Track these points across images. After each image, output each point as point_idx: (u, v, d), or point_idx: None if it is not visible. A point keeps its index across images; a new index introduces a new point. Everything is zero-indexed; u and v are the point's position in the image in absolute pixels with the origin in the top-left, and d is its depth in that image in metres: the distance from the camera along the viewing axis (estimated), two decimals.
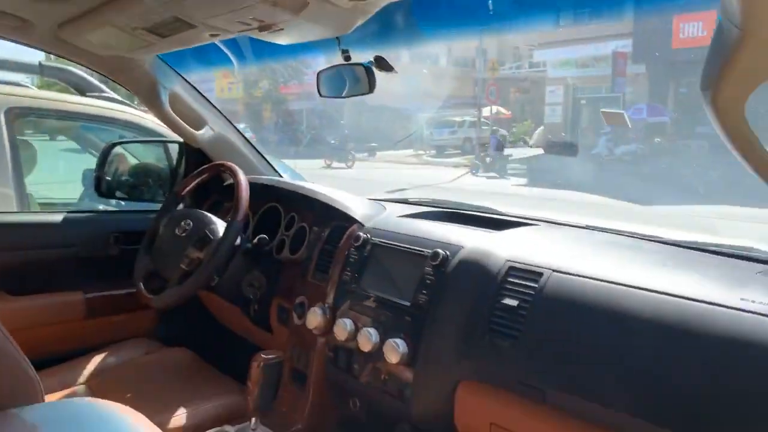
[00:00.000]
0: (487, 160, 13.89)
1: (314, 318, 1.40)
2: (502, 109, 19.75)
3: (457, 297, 1.20)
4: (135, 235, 1.95)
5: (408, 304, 1.25)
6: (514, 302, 1.12)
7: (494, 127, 16.40)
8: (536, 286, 1.11)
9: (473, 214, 1.64)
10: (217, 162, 1.70)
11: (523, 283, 1.13)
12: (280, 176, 2.12)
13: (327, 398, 1.43)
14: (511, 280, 1.15)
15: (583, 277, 1.08)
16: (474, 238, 1.28)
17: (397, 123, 20.00)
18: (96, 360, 1.75)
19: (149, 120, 2.35)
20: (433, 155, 18.40)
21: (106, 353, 1.78)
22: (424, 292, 1.23)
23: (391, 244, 1.37)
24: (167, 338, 1.94)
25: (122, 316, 1.93)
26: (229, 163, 1.66)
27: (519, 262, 1.17)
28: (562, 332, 1.04)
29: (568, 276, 1.10)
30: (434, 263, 1.24)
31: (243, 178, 1.59)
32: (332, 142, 16.81)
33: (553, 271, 1.12)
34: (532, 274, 1.13)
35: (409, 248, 1.32)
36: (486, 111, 18.64)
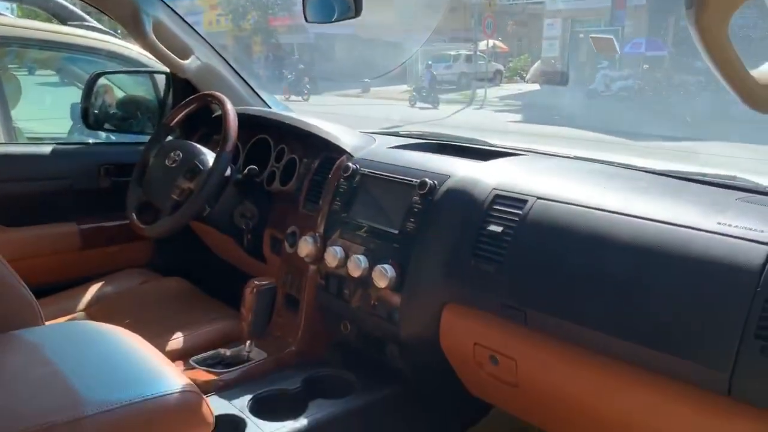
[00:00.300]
0: (423, 93, 15.06)
1: (305, 246, 1.43)
2: (499, 43, 19.30)
3: (443, 224, 1.22)
4: (125, 168, 1.95)
5: (396, 231, 1.28)
6: (498, 228, 1.14)
7: (429, 62, 16.66)
8: (521, 213, 1.13)
9: (462, 146, 1.64)
10: (205, 92, 1.68)
11: (508, 210, 1.15)
12: (269, 108, 2.11)
13: (319, 322, 1.48)
14: (497, 207, 1.17)
15: (566, 203, 1.10)
16: (461, 167, 1.30)
17: (390, 57, 19.56)
18: (93, 289, 1.79)
19: (135, 51, 2.30)
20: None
21: (103, 282, 1.82)
22: (412, 220, 1.25)
23: (380, 174, 1.38)
24: (163, 269, 1.98)
25: (117, 247, 1.96)
26: (217, 93, 1.65)
27: (504, 191, 1.19)
28: (544, 257, 1.08)
29: (551, 203, 1.12)
30: (422, 192, 1.26)
31: (231, 108, 1.58)
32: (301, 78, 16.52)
33: (538, 198, 1.14)
34: (517, 201, 1.15)
35: (398, 178, 1.34)
36: (483, 45, 18.22)
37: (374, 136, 1.72)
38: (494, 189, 1.20)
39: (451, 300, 1.21)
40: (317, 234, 1.45)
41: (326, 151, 1.57)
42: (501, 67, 18.46)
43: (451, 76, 18.47)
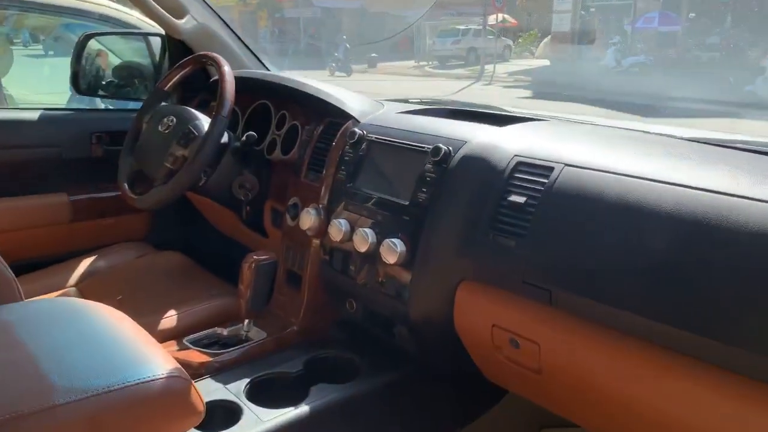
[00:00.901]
0: (339, 63, 15.44)
1: (308, 219, 1.32)
2: (509, 17, 18.92)
3: (459, 194, 1.11)
4: (118, 135, 1.84)
5: (406, 203, 1.17)
6: (521, 199, 1.03)
7: (343, 36, 16.61)
8: (546, 181, 1.02)
9: (477, 111, 1.52)
10: (201, 53, 1.56)
11: (532, 178, 1.04)
12: (269, 71, 1.99)
13: (323, 299, 1.38)
14: (519, 175, 1.06)
15: (598, 170, 0.99)
16: (478, 132, 1.18)
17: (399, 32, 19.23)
18: (85, 263, 1.70)
19: (127, 13, 2.17)
20: (435, 66, 17.83)
21: (96, 256, 1.73)
22: (424, 190, 1.14)
23: (388, 140, 1.27)
24: (159, 242, 1.88)
25: (111, 219, 1.86)
26: (213, 54, 1.52)
27: (527, 157, 1.07)
28: (572, 230, 0.96)
29: (580, 170, 1.00)
30: (435, 159, 1.14)
31: (227, 70, 1.46)
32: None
33: (565, 165, 1.02)
34: (542, 168, 1.04)
35: (409, 144, 1.22)
36: (491, 19, 17.85)
37: (382, 102, 1.60)
38: (516, 156, 1.09)
39: (466, 277, 1.10)
40: (320, 206, 1.34)
41: (330, 116, 1.46)
42: (510, 42, 18.11)
43: (459, 51, 18.14)
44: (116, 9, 2.32)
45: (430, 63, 18.42)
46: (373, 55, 17.97)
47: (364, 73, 16.51)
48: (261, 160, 1.62)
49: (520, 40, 18.54)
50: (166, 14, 1.68)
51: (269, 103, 1.67)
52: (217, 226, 1.94)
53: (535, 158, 1.07)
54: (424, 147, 1.19)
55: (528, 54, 17.45)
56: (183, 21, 1.74)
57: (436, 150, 1.14)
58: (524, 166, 1.07)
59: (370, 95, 1.61)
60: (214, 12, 1.86)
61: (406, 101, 1.79)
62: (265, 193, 1.62)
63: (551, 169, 1.03)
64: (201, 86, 1.92)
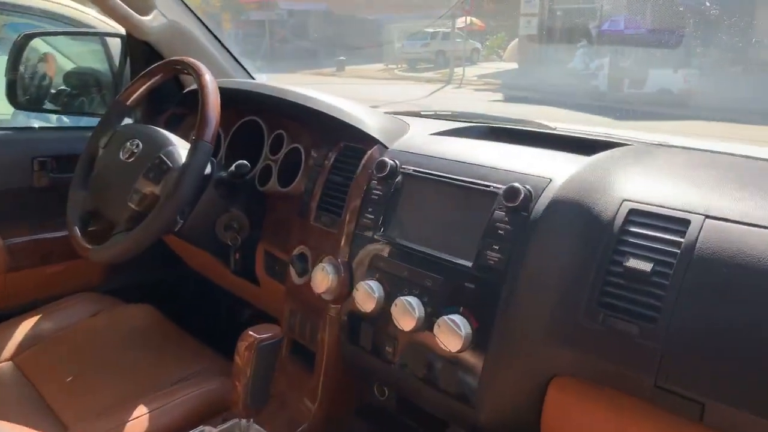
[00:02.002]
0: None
1: (323, 278, 1.00)
2: (476, 20, 18.86)
3: (550, 256, 0.80)
4: (68, 161, 1.48)
5: (469, 264, 0.85)
6: (645, 265, 0.73)
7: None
8: (681, 240, 0.72)
9: (527, 131, 1.22)
10: (174, 58, 1.21)
11: (658, 235, 0.74)
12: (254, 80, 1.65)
13: (342, 382, 1.06)
14: (635, 230, 0.76)
15: (753, 225, 0.69)
16: (561, 165, 0.87)
17: (366, 35, 19.02)
18: (24, 326, 1.33)
19: (78, 10, 1.81)
20: (404, 69, 17.61)
21: (39, 316, 1.36)
22: (496, 247, 0.83)
23: (433, 174, 0.95)
24: (123, 292, 1.52)
25: (58, 266, 1.49)
26: (190, 59, 1.18)
27: (644, 203, 0.77)
28: (734, 311, 0.67)
29: (728, 224, 0.71)
30: (511, 205, 0.83)
31: (210, 80, 1.12)
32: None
33: (707, 216, 0.72)
34: (672, 221, 0.74)
35: (465, 182, 0.91)
36: (459, 22, 17.74)
37: (402, 118, 1.28)
38: (626, 201, 0.79)
39: (562, 372, 0.79)
40: (340, 261, 1.01)
41: (346, 139, 1.13)
42: (478, 45, 18.03)
43: (428, 54, 17.99)
44: (66, 5, 1.95)
45: (399, 66, 18.20)
46: (341, 58, 17.65)
47: (332, 76, 16.15)
48: (251, 192, 1.28)
49: (487, 43, 18.48)
50: (128, 9, 1.33)
51: (260, 121, 1.34)
52: (196, 268, 1.59)
53: (656, 205, 0.76)
54: (490, 187, 0.87)
55: (495, 57, 17.38)
56: (149, 18, 1.39)
57: (512, 192, 0.83)
58: (642, 216, 0.76)
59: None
60: (187, 7, 1.51)
61: (417, 114, 1.48)
62: (256, 233, 1.28)
63: (686, 222, 0.73)
64: (170, 98, 1.57)
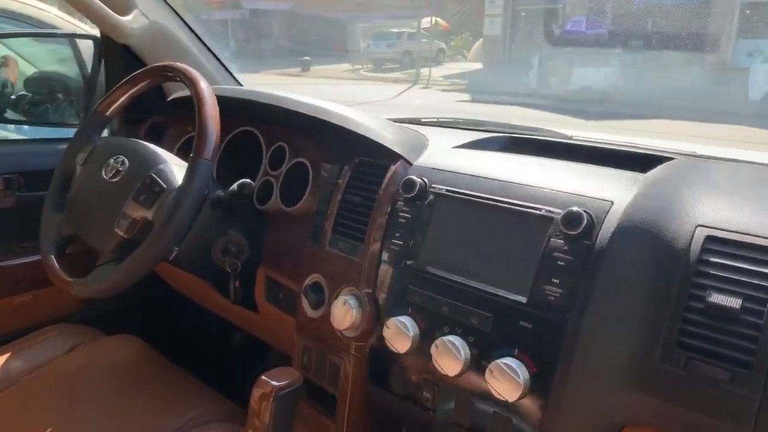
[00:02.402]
0: None
1: (345, 312, 0.88)
2: (441, 21, 18.91)
3: (619, 290, 0.70)
4: (37, 177, 1.33)
5: (524, 300, 0.75)
6: (733, 301, 0.64)
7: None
8: None
9: (551, 141, 1.12)
10: (163, 64, 1.08)
11: (745, 267, 0.65)
12: (242, 87, 1.52)
13: (368, 429, 0.94)
14: (716, 260, 0.67)
15: None
16: (618, 185, 0.78)
17: (332, 35, 18.89)
18: None
19: (36, 8, 1.65)
20: (370, 70, 17.52)
21: (8, 355, 1.20)
22: (556, 281, 0.73)
23: (472, 195, 0.85)
24: (100, 321, 1.37)
25: (28, 295, 1.34)
26: (181, 65, 1.04)
27: (722, 229, 0.69)
28: None
29: None
30: (572, 232, 0.73)
31: (207, 89, 0.99)
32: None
33: None
34: (761, 250, 0.65)
35: (511, 204, 0.80)
36: (424, 22, 17.76)
37: (415, 129, 1.17)
38: (700, 226, 0.70)
39: (636, 421, 0.70)
40: (363, 292, 0.90)
41: (361, 153, 1.02)
42: (443, 45, 18.09)
43: (394, 54, 17.94)
44: (24, 3, 1.79)
45: (365, 66, 18.12)
46: (306, 58, 17.47)
47: (298, 76, 15.95)
48: (249, 211, 1.16)
49: (452, 44, 18.55)
50: (105, 9, 1.18)
51: (256, 132, 1.21)
52: (184, 291, 1.45)
53: (736, 231, 0.68)
54: (542, 210, 0.77)
55: (461, 57, 17.45)
56: (129, 18, 1.25)
57: (574, 218, 0.73)
58: (722, 244, 0.68)
59: None
60: (170, 7, 1.37)
61: (417, 122, 1.37)
62: (256, 256, 1.16)
63: None
64: (151, 106, 1.42)
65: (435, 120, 1.42)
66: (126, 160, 1.03)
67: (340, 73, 16.36)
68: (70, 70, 1.56)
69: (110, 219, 0.98)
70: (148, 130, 1.41)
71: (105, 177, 1.03)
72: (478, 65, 15.98)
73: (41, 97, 1.58)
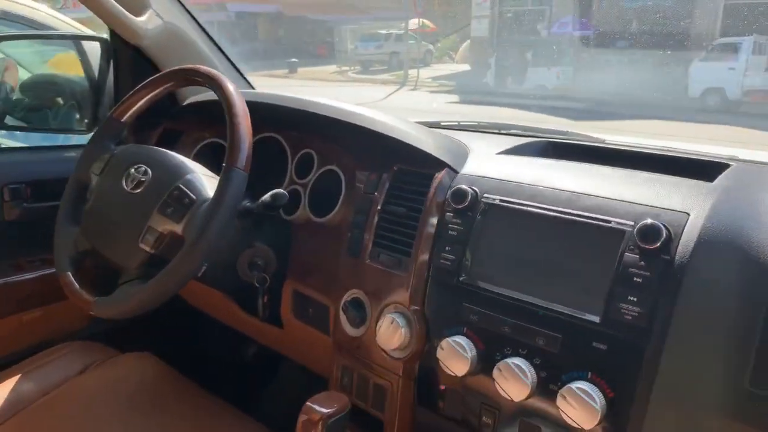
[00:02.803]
0: None
1: (393, 333, 0.83)
2: (428, 22, 18.91)
3: (705, 308, 0.66)
4: (45, 186, 1.26)
5: (597, 319, 0.70)
6: None
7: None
8: None
9: (592, 146, 1.08)
10: (188, 67, 1.01)
11: None
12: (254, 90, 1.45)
13: None
14: None
15: None
16: (688, 194, 0.74)
17: (319, 36, 18.83)
18: (2, 389, 1.10)
19: (31, 8, 1.57)
20: (358, 71, 17.47)
21: (19, 376, 1.13)
22: (633, 299, 0.68)
23: (530, 206, 0.80)
24: (112, 337, 1.31)
25: (37, 311, 1.26)
26: (209, 69, 0.98)
27: None
28: None
29: None
30: (649, 246, 0.68)
31: (237, 94, 0.93)
32: None
33: None
34: None
35: (575, 215, 0.76)
36: (412, 23, 17.75)
37: (450, 136, 1.12)
38: None
39: None
40: (412, 310, 0.84)
41: (401, 161, 0.96)
42: (431, 46, 18.09)
43: (382, 55, 17.92)
44: (21, 3, 1.72)
45: (353, 68, 18.07)
46: (294, 60, 17.39)
47: (285, 78, 15.85)
48: (275, 222, 1.10)
49: (439, 45, 18.56)
50: (120, 9, 1.11)
51: (280, 138, 1.16)
52: (195, 304, 1.38)
53: None
54: (611, 222, 0.72)
55: (448, 58, 17.45)
56: (143, 19, 1.18)
57: (651, 231, 0.68)
58: None
59: None
60: (183, 7, 1.31)
61: (438, 125, 1.33)
62: (282, 269, 1.10)
63: None
64: (162, 111, 1.36)
65: (456, 123, 1.37)
66: (149, 170, 0.96)
67: (327, 74, 16.28)
68: (74, 73, 1.49)
69: (134, 233, 0.92)
70: (160, 137, 1.35)
71: (126, 188, 0.96)
72: (466, 66, 16.00)
73: (41, 102, 1.50)
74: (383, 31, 18.24)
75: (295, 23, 18.96)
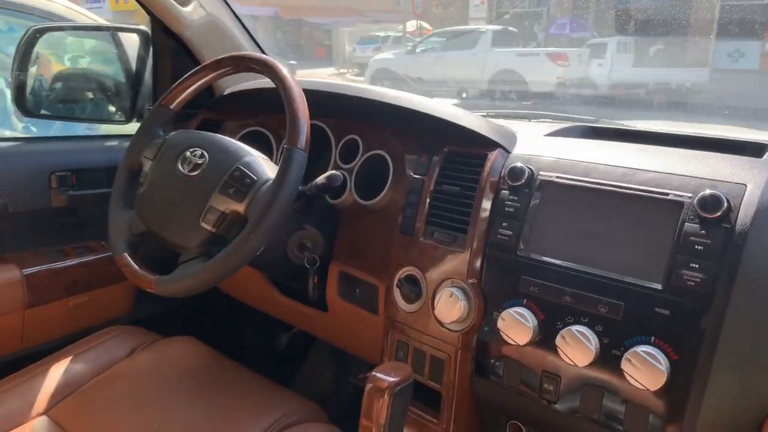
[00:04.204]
0: None
1: (453, 305, 0.86)
2: (425, 24, 18.98)
3: (764, 274, 0.69)
4: (89, 174, 1.29)
5: (659, 286, 0.73)
6: None
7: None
8: None
9: (631, 130, 1.12)
10: (244, 54, 1.04)
11: None
12: None
13: (475, 425, 0.92)
14: None
15: None
16: (743, 169, 0.77)
17: (317, 39, 18.88)
18: (55, 371, 1.12)
19: (75, 10, 1.61)
20: (356, 74, 17.50)
21: (70, 358, 1.16)
22: (695, 266, 0.71)
23: (587, 182, 0.83)
24: (154, 322, 1.33)
25: (83, 296, 1.29)
26: (265, 56, 1.01)
27: None
28: None
29: None
30: (709, 215, 0.71)
31: (293, 80, 0.96)
32: None
33: None
34: None
35: (633, 189, 0.79)
36: (409, 26, 17.80)
37: (494, 121, 1.16)
38: None
39: None
40: (470, 283, 0.87)
41: (450, 143, 0.99)
42: None
43: None
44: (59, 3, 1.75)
45: (351, 70, 18.10)
46: (292, 62, 17.36)
47: None
48: (322, 206, 1.13)
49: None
50: (173, 1, 1.14)
51: (323, 125, 1.18)
52: (234, 292, 1.41)
53: None
54: (669, 195, 0.75)
55: None
56: (189, 10, 1.21)
57: (712, 201, 0.71)
58: None
59: None
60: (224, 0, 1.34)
61: (486, 115, 1.36)
62: (329, 252, 1.13)
63: None
64: (199, 101, 1.39)
65: (485, 114, 1.40)
66: (205, 153, 0.99)
67: (326, 77, 16.30)
68: (109, 65, 1.52)
69: (194, 213, 0.95)
70: (199, 127, 1.38)
71: (183, 171, 0.99)
72: None
73: (76, 94, 1.53)
74: (381, 34, 18.28)
75: (293, 26, 19.01)
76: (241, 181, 0.93)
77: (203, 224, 0.94)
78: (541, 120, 1.32)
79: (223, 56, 1.06)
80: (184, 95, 1.10)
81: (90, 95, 1.49)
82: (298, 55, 17.77)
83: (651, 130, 1.09)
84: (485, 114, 1.39)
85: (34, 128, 2.00)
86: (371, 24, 18.98)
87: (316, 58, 18.51)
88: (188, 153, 1.00)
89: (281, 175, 0.89)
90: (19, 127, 2.03)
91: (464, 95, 7.58)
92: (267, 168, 0.96)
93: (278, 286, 1.27)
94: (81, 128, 1.63)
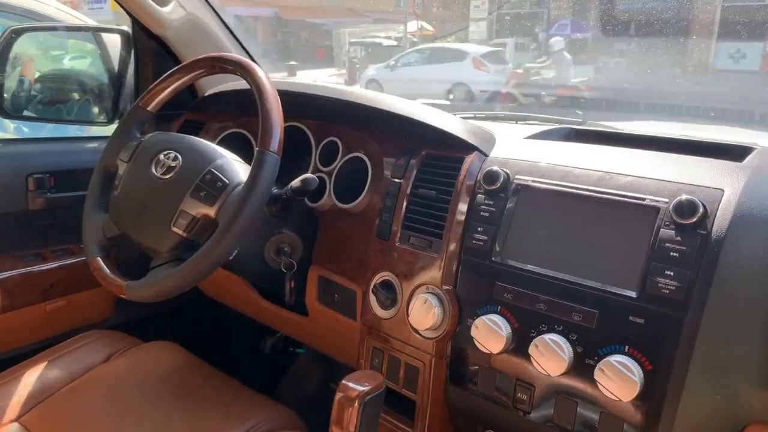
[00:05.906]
0: None
1: (427, 311, 0.84)
2: (426, 25, 18.98)
3: (740, 279, 0.67)
4: (67, 177, 1.27)
5: (633, 294, 0.71)
6: None
7: None
8: None
9: (615, 133, 1.10)
10: (216, 54, 1.02)
11: None
12: None
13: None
14: None
15: None
16: (721, 173, 0.75)
17: (317, 40, 18.89)
18: (28, 377, 1.11)
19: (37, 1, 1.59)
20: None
21: (44, 364, 1.14)
22: (670, 273, 0.69)
23: (562, 186, 0.81)
24: (133, 327, 1.31)
25: (61, 300, 1.27)
26: (239, 57, 0.99)
27: None
28: None
29: None
30: (685, 221, 0.69)
31: (268, 81, 0.94)
32: None
33: None
34: None
35: (607, 194, 0.77)
36: (411, 27, 17.81)
37: (475, 123, 1.14)
38: None
39: (762, 417, 0.66)
40: (444, 290, 0.85)
41: (428, 146, 0.97)
42: None
43: None
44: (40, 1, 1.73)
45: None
46: (292, 63, 17.41)
47: (285, 81, 15.82)
48: (300, 209, 1.11)
49: None
50: (152, 2, 1.12)
51: (303, 127, 1.17)
52: (217, 297, 1.39)
53: None
54: (645, 200, 0.74)
55: None
56: (168, 10, 1.19)
57: (688, 206, 0.69)
58: None
59: None
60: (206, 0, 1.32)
61: (473, 116, 1.35)
62: (307, 256, 1.11)
63: None
64: (182, 102, 1.37)
65: (472, 115, 1.39)
66: (179, 156, 0.97)
67: (326, 78, 16.30)
68: (92, 66, 1.50)
69: (166, 217, 0.93)
70: (181, 128, 1.36)
71: (156, 173, 0.97)
72: None
73: (58, 95, 1.51)
74: (382, 35, 18.29)
75: (293, 27, 19.02)
76: (213, 185, 0.91)
77: (174, 228, 0.92)
78: (528, 122, 1.30)
79: (199, 57, 1.04)
80: (161, 97, 1.08)
81: (68, 97, 1.48)
82: (299, 55, 17.77)
83: (635, 133, 1.07)
84: (472, 116, 1.37)
85: (26, 129, 1.99)
86: (372, 24, 18.99)
87: (316, 59, 18.51)
88: (162, 156, 0.98)
89: (252, 178, 0.87)
90: (10, 128, 2.02)
91: (451, 96, 7.81)
92: (240, 171, 0.94)
93: (259, 290, 1.25)
94: (72, 130, 1.61)
